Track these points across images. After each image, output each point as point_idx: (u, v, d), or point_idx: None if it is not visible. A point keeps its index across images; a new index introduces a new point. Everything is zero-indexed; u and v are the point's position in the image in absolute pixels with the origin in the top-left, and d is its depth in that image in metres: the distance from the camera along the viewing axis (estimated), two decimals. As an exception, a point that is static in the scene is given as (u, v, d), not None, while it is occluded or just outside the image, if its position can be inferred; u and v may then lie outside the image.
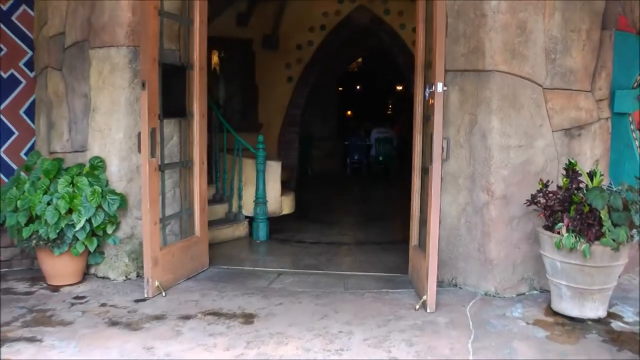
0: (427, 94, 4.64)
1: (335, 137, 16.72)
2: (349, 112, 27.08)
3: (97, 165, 5.20)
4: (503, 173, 4.71)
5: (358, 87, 25.67)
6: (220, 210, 7.21)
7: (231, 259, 6.07)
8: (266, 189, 6.99)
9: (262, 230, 6.95)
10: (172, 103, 5.20)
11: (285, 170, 11.35)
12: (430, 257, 4.30)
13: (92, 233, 5.05)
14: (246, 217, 7.18)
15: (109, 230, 5.11)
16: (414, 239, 5.19)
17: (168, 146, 5.38)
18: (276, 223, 7.39)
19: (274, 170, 7.15)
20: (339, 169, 16.22)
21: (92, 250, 5.07)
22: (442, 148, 4.29)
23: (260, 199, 6.94)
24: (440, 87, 4.21)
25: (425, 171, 4.73)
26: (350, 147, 15.71)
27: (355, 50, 15.33)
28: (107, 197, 4.96)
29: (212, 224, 6.73)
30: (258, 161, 6.91)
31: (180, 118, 5.40)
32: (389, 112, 29.39)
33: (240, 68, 11.70)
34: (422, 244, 4.93)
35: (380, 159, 15.50)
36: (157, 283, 4.77)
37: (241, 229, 7.10)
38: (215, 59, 11.43)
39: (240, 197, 7.11)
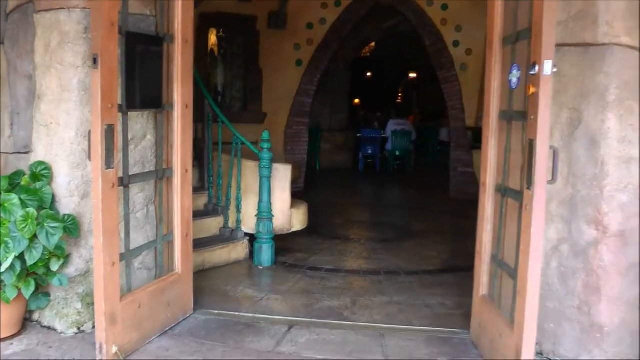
0: (515, 80, 3.13)
1: (346, 128, 15.18)
2: (356, 100, 25.59)
3: (40, 175, 3.72)
4: (622, 199, 3.20)
5: (369, 73, 24.12)
6: (213, 225, 5.72)
7: (224, 297, 4.58)
8: (272, 200, 5.47)
9: (265, 254, 5.45)
10: (143, 89, 3.69)
11: (293, 168, 9.89)
12: (525, 334, 2.80)
13: (28, 272, 3.57)
14: (246, 234, 5.68)
15: (54, 267, 3.64)
16: (481, 286, 3.69)
17: (139, 148, 3.89)
18: (283, 240, 5.90)
19: (282, 176, 5.62)
20: (350, 164, 14.69)
21: (27, 296, 3.59)
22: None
23: (264, 214, 5.42)
24: (548, 67, 2.69)
25: (511, 194, 3.23)
26: (363, 140, 14.16)
27: (371, 31, 13.83)
28: (46, 224, 3.45)
29: (201, 243, 5.28)
30: (262, 164, 5.39)
31: (154, 110, 3.89)
32: (398, 100, 27.92)
33: (242, 50, 10.18)
34: (496, 296, 3.45)
35: (397, 154, 13.94)
36: (114, 349, 3.30)
37: (239, 250, 5.60)
38: (213, 38, 9.90)
39: (239, 210, 5.60)
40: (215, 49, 9.96)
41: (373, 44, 17.60)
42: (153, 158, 3.95)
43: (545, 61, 2.69)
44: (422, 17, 9.93)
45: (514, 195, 3.18)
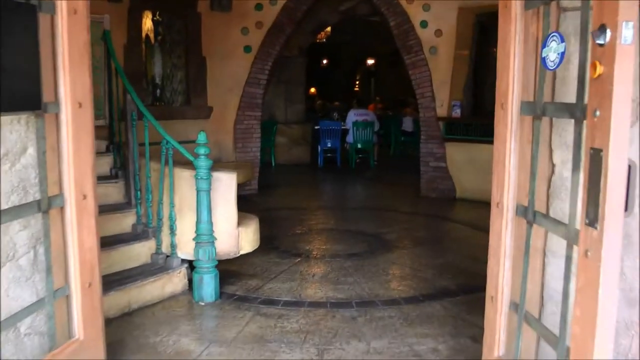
0: (555, 58, 2.10)
1: (303, 120, 14.08)
2: (312, 90, 24.55)
3: None
4: None
5: (325, 61, 23.06)
6: (144, 251, 4.58)
7: (153, 353, 3.47)
8: (214, 218, 4.36)
9: (207, 287, 4.34)
10: (10, 82, 2.53)
11: (244, 169, 8.77)
12: None
13: None
14: (184, 261, 4.57)
15: None
16: (497, 345, 2.67)
17: (17, 168, 2.72)
18: (231, 261, 4.83)
19: (225, 188, 4.51)
20: (309, 159, 13.62)
21: None
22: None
23: (204, 237, 4.31)
24: (629, 32, 1.67)
25: (547, 224, 2.21)
26: (322, 132, 13.08)
27: (327, 14, 12.73)
28: None
29: (129, 277, 4.22)
30: (198, 175, 4.26)
31: (30, 112, 2.73)
32: (356, 88, 26.97)
33: (183, 36, 8.96)
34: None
35: (359, 146, 12.92)
36: None
37: (176, 282, 4.49)
38: (148, 23, 8.67)
39: (173, 231, 4.47)
40: (152, 35, 8.73)
41: (329, 28, 16.56)
42: (36, 181, 2.80)
43: (624, 22, 1.66)
44: None
45: (555, 227, 2.16)
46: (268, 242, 6.02)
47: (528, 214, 2.39)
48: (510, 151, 2.52)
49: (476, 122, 8.54)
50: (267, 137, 12.71)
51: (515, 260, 2.55)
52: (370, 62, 25.11)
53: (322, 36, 17.07)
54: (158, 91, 8.79)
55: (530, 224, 2.38)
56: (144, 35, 8.59)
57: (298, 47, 13.44)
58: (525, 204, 2.43)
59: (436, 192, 8.90)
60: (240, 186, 9.02)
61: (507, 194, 2.56)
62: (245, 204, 8.24)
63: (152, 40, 8.72)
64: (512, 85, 2.50)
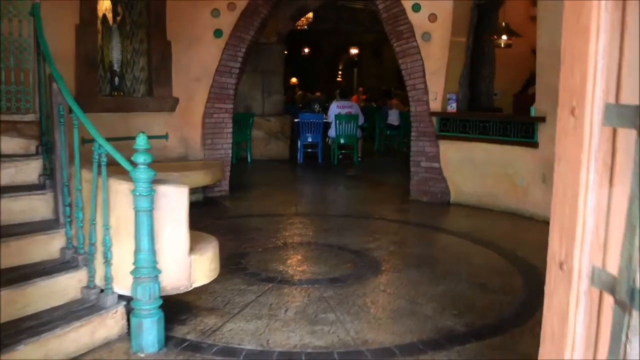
0: None
1: (282, 112, 13.10)
2: (293, 80, 23.56)
3: None
4: None
5: (306, 50, 22.05)
6: (71, 285, 3.60)
7: None
8: (159, 245, 3.39)
9: (148, 334, 3.37)
10: None
11: (212, 169, 7.79)
12: None
13: None
14: (122, 297, 3.60)
15: None
16: None
17: None
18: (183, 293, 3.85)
19: (174, 205, 3.52)
20: (288, 155, 12.67)
21: None
22: None
23: (144, 270, 3.34)
24: None
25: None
26: (302, 125, 12.13)
27: None
28: None
29: (48, 322, 3.27)
30: (137, 190, 3.28)
31: None
32: (338, 79, 26.02)
33: (145, 18, 7.94)
34: None
35: (342, 141, 11.97)
36: None
37: (110, 325, 3.51)
38: (106, 4, 7.66)
39: (107, 261, 3.49)
40: (109, 15, 7.69)
41: (310, 15, 15.61)
42: None
43: None
44: None
45: None
46: (234, 260, 5.07)
47: (621, 290, 1.46)
48: (587, 184, 1.59)
49: (474, 118, 7.62)
50: (243, 131, 11.76)
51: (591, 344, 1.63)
52: (354, 51, 24.17)
53: (302, 23, 16.09)
54: (117, 79, 7.76)
55: (626, 307, 1.45)
56: (100, 15, 7.57)
57: (276, 33, 12.47)
58: (614, 271, 1.50)
59: (428, 196, 7.98)
60: (208, 188, 8.11)
61: (578, 253, 1.63)
62: (212, 210, 7.31)
63: (110, 22, 7.68)
64: (594, 78, 1.57)
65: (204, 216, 6.65)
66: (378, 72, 23.70)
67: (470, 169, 7.56)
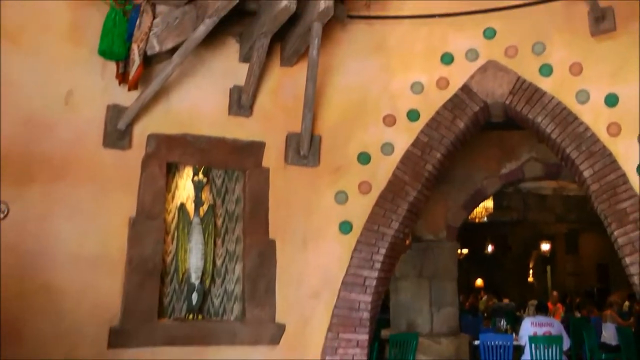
0: None
1: (456, 330, 9.83)
2: (479, 282, 20.21)
3: None
4: None
5: (490, 246, 18.94)
6: None
7: None
8: None
9: None
10: None
11: None
12: None
13: None
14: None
15: None
16: None
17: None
18: None
19: None
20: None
21: None
22: None
23: None
24: None
25: None
26: (484, 351, 8.76)
27: (484, 180, 9.17)
28: None
29: None
30: None
31: None
32: (530, 279, 22.03)
33: (240, 205, 5.60)
34: None
35: (542, 380, 8.30)
36: None
37: None
38: (188, 190, 5.52)
39: None
40: (189, 206, 5.45)
41: (490, 203, 12.81)
42: None
43: None
44: (565, 122, 5.17)
45: None
46: None
47: None
48: None
49: None
50: (405, 358, 8.64)
51: None
52: (545, 247, 20.53)
53: (481, 214, 13.29)
54: (195, 296, 5.27)
55: None
56: (176, 203, 5.38)
57: (446, 226, 9.66)
58: None
59: None
60: None
61: None
62: None
63: (191, 214, 5.40)
64: None
65: None
66: (575, 269, 20.31)
67: None
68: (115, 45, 4.65)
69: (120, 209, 4.86)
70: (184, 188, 5.48)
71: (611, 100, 5.18)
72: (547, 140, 5.64)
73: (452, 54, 5.65)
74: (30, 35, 4.59)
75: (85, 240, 4.71)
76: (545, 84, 5.41)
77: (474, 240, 15.04)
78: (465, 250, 16.37)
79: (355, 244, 5.49)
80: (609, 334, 10.72)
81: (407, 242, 8.84)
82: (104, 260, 4.76)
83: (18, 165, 4.50)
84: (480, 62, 5.59)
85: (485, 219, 14.36)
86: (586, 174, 5.22)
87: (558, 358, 8.36)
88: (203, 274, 5.34)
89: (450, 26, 5.63)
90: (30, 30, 4.58)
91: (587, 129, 5.22)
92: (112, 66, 4.84)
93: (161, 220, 5.11)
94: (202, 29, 4.47)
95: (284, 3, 4.44)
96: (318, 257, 5.47)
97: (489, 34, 5.57)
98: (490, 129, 7.41)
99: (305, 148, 5.44)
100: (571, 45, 5.36)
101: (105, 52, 4.69)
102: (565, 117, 5.32)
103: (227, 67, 5.42)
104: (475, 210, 11.98)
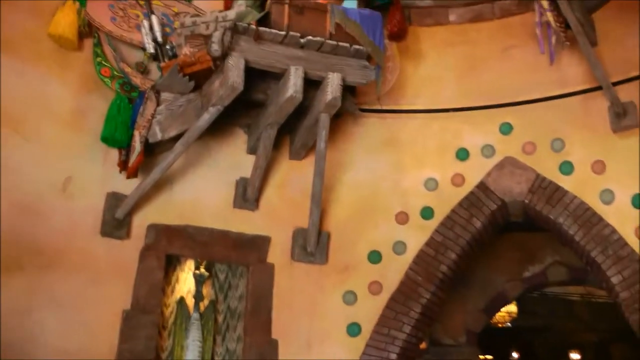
0: None
1: None
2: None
3: None
4: None
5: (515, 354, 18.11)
6: None
7: None
8: None
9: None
10: None
11: None
12: None
13: None
14: None
15: None
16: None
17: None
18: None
19: None
20: None
21: None
22: None
23: None
24: None
25: None
26: None
27: (505, 283, 8.83)
28: None
29: None
30: None
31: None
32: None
33: (243, 303, 5.32)
34: None
35: None
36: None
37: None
38: (188, 284, 5.27)
39: None
40: (189, 300, 5.16)
41: (514, 308, 12.28)
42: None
43: None
44: (590, 224, 4.98)
45: None
46: None
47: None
48: None
49: None
50: None
51: None
52: (575, 357, 19.55)
53: (504, 319, 12.72)
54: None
55: None
56: (175, 296, 5.11)
57: (465, 331, 9.22)
58: None
59: None
60: None
61: None
62: None
63: (190, 309, 5.11)
64: None
65: None
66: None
67: None
68: (118, 132, 4.58)
69: (113, 301, 4.61)
70: (185, 281, 5.23)
71: (638, 201, 4.91)
72: (570, 243, 5.32)
73: (467, 149, 5.47)
74: (31, 121, 4.52)
75: (71, 334, 4.43)
76: (566, 183, 5.16)
77: (497, 346, 14.36)
78: (489, 357, 15.61)
79: (364, 348, 5.12)
80: None
81: (423, 346, 8.37)
82: (91, 355, 4.45)
83: (8, 253, 4.30)
84: (496, 158, 5.39)
85: (509, 324, 13.73)
86: (614, 280, 4.87)
87: None
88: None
89: (465, 121, 5.50)
90: (31, 116, 4.53)
91: (613, 231, 4.91)
92: (114, 153, 4.74)
93: (157, 314, 4.83)
94: (206, 118, 4.37)
95: (289, 93, 4.34)
96: (323, 361, 5.10)
97: (505, 129, 5.40)
98: (511, 231, 7.14)
99: (312, 244, 5.19)
100: (592, 141, 5.15)
101: (107, 139, 4.61)
102: (589, 219, 5.02)
103: (234, 158, 5.30)
104: (497, 315, 11.48)
